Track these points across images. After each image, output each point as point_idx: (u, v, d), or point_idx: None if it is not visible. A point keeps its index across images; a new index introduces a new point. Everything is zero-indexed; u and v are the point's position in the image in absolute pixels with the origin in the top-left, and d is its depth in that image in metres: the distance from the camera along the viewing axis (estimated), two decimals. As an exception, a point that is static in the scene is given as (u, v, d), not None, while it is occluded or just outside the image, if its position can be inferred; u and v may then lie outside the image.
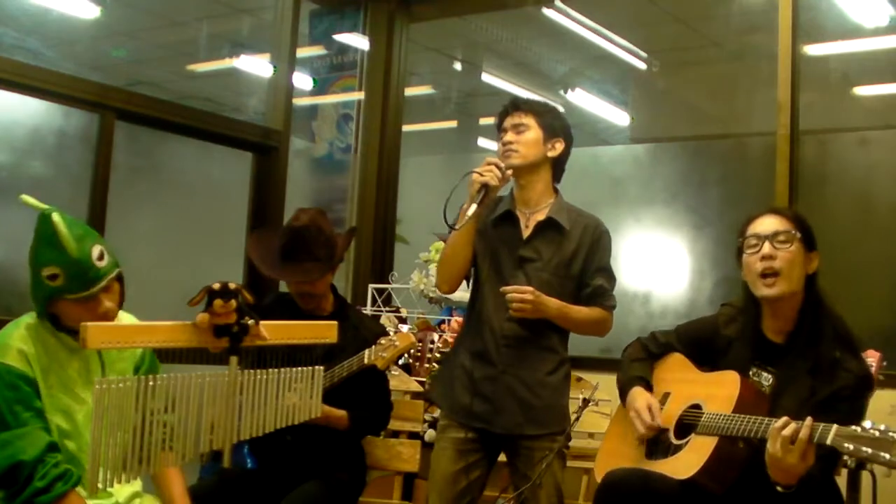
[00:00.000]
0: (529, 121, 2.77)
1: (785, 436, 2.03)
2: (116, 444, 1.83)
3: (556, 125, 2.80)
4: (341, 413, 2.88)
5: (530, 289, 2.62)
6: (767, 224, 2.37)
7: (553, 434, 2.66)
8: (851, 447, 1.94)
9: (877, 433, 1.92)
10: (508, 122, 2.79)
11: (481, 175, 2.61)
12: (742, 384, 2.29)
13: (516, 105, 2.81)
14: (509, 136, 2.76)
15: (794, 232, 2.33)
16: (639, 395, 2.49)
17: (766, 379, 2.35)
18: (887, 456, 1.89)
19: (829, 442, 1.98)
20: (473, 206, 2.57)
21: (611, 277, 2.79)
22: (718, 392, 2.32)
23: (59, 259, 2.16)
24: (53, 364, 2.23)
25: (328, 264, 2.93)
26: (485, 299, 2.76)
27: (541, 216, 2.75)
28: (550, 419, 2.70)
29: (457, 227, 2.63)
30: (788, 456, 2.03)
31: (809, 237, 2.37)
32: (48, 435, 2.17)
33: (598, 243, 2.77)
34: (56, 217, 2.17)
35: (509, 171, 2.66)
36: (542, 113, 2.79)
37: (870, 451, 1.91)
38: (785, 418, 2.06)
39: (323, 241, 2.92)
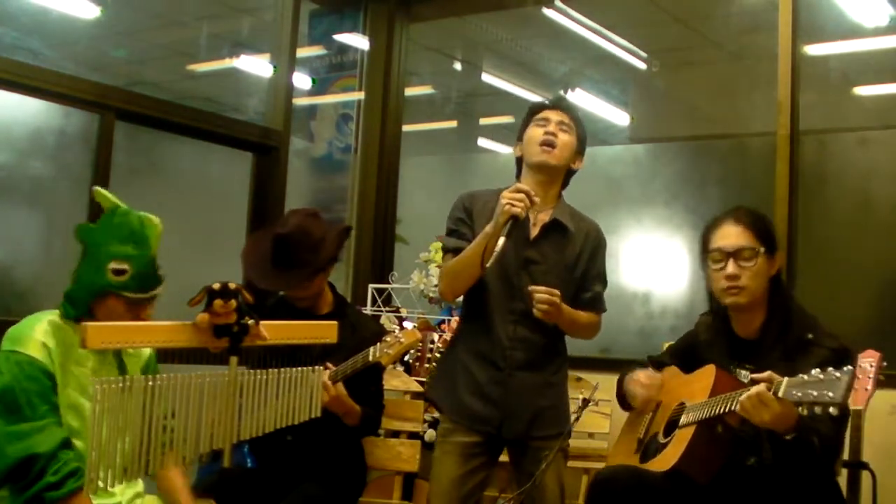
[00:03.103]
0: (572, 126, 2.78)
1: (745, 404, 2.10)
2: (116, 444, 1.83)
3: (584, 142, 2.82)
4: (357, 408, 2.88)
5: (557, 292, 2.60)
6: (730, 237, 2.39)
7: (559, 434, 2.66)
8: (800, 394, 2.00)
9: (822, 376, 1.97)
10: (553, 115, 2.77)
11: (513, 206, 2.51)
12: (717, 373, 2.36)
13: (568, 107, 2.82)
14: (554, 128, 2.73)
15: (757, 248, 2.36)
16: (637, 373, 2.61)
17: (746, 377, 2.40)
18: (831, 394, 1.94)
19: (780, 394, 2.04)
20: (502, 240, 2.50)
21: (605, 283, 2.84)
22: (697, 386, 2.40)
23: (135, 255, 2.24)
24: (70, 361, 2.24)
25: (315, 269, 2.92)
26: (489, 299, 2.73)
27: (545, 217, 2.75)
28: (557, 419, 2.71)
29: (487, 265, 2.54)
30: (764, 414, 2.08)
31: (772, 244, 2.41)
32: (62, 430, 2.18)
33: (598, 249, 2.81)
34: (146, 215, 2.29)
35: (537, 199, 2.59)
36: (580, 124, 2.82)
37: (815, 393, 1.96)
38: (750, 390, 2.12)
39: (310, 245, 2.90)
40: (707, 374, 2.38)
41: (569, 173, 2.83)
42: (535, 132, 2.76)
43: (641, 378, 2.56)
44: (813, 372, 1.99)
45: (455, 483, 2.71)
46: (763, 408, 2.07)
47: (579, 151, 2.80)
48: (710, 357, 2.48)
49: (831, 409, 1.95)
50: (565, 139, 2.75)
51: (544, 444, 2.64)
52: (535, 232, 2.74)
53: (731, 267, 2.35)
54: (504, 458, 2.83)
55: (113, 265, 2.22)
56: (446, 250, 2.80)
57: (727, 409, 2.18)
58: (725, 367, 2.43)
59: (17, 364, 2.15)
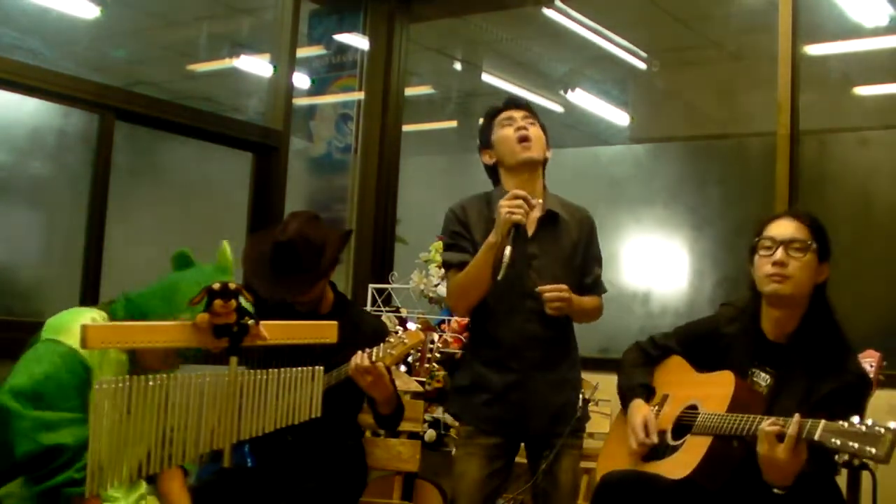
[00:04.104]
0: (534, 119, 2.79)
1: (771, 432, 2.03)
2: (116, 445, 1.83)
3: (547, 133, 2.82)
4: (396, 394, 2.90)
5: (565, 286, 2.60)
6: (785, 229, 2.36)
7: (576, 430, 2.67)
8: (839, 442, 1.93)
9: (864, 428, 1.91)
10: (515, 113, 2.77)
11: (512, 214, 2.50)
12: (736, 383, 2.30)
13: (526, 103, 2.83)
14: (523, 123, 2.74)
15: (810, 242, 2.33)
16: (637, 409, 2.49)
17: (765, 379, 2.35)
18: (873, 450, 1.88)
19: (816, 438, 1.97)
20: (508, 249, 2.47)
21: (602, 264, 2.85)
22: (714, 392, 2.33)
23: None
24: (105, 363, 2.21)
25: (317, 274, 2.92)
26: (496, 304, 2.70)
27: (538, 212, 2.73)
28: (574, 416, 2.69)
29: (499, 278, 2.50)
30: (778, 453, 2.02)
31: (825, 247, 2.36)
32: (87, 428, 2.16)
33: (592, 234, 2.83)
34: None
35: (536, 201, 2.59)
36: (538, 117, 2.83)
37: (857, 445, 1.90)
38: (773, 418, 2.07)
39: (311, 251, 2.90)
40: (726, 382, 2.31)
41: (543, 164, 2.83)
42: (506, 133, 2.75)
43: (638, 430, 2.43)
44: (854, 420, 1.93)
45: (479, 485, 2.69)
46: (779, 447, 2.03)
47: (547, 142, 2.81)
48: (731, 354, 2.42)
49: (870, 464, 1.90)
50: (536, 132, 2.75)
51: (566, 441, 2.64)
52: (531, 228, 2.73)
53: (779, 253, 2.31)
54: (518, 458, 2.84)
55: (199, 298, 2.01)
56: (450, 265, 2.77)
57: (748, 432, 2.13)
58: (745, 366, 2.38)
59: (59, 355, 2.11)
